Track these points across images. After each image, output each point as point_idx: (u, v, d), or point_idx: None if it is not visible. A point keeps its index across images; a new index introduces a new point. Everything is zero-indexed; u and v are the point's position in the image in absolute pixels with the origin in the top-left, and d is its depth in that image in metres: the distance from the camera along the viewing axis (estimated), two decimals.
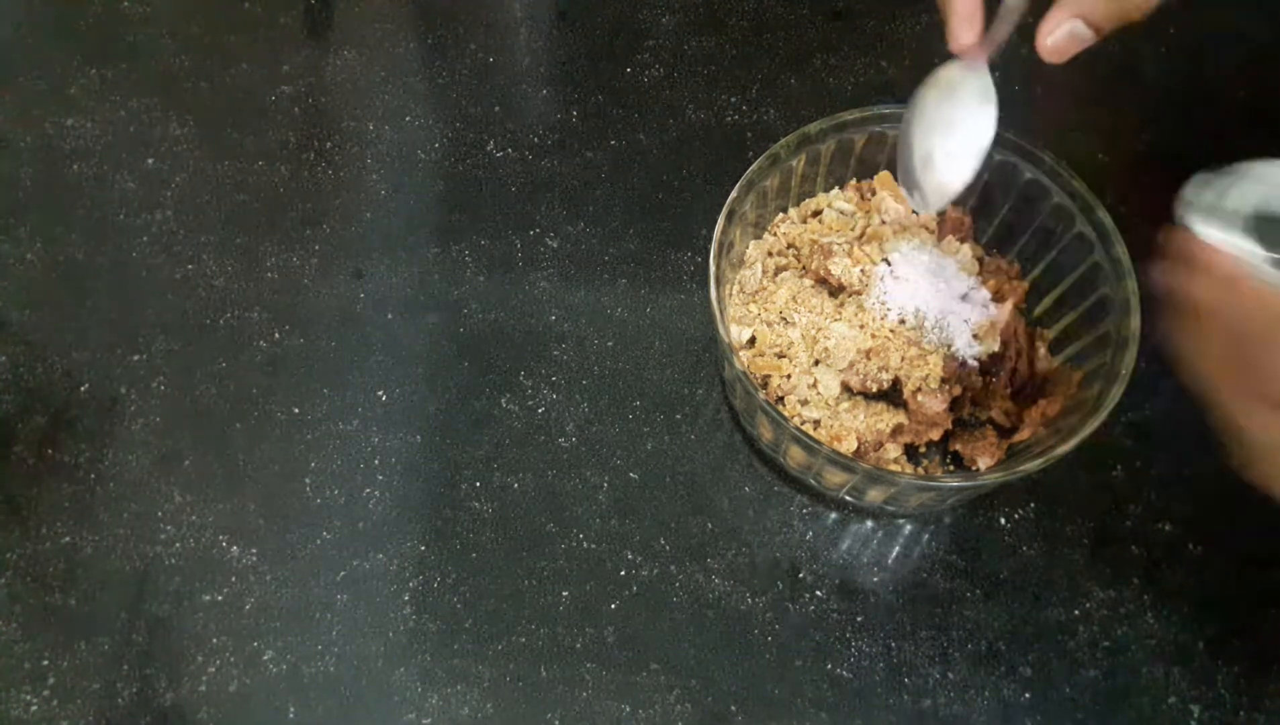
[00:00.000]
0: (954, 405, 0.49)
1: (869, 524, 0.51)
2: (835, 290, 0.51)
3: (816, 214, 0.53)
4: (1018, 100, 0.53)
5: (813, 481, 0.49)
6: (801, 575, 0.49)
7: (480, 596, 0.49)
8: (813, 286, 0.51)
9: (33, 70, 0.63)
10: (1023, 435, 0.48)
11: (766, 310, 0.51)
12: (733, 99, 0.62)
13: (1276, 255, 0.39)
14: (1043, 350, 0.51)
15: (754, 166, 0.48)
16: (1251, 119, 0.60)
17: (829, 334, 0.49)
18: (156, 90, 0.63)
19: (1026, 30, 0.40)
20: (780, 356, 0.50)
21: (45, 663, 0.48)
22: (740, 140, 0.60)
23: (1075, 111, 0.60)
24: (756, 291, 0.52)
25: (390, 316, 0.56)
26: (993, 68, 0.45)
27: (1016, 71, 0.62)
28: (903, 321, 0.48)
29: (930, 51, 0.63)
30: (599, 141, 0.61)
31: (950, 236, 0.53)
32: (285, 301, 0.56)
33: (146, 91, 0.63)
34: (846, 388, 0.49)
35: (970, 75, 0.42)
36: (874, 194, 0.53)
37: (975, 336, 0.49)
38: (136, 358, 0.55)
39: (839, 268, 0.50)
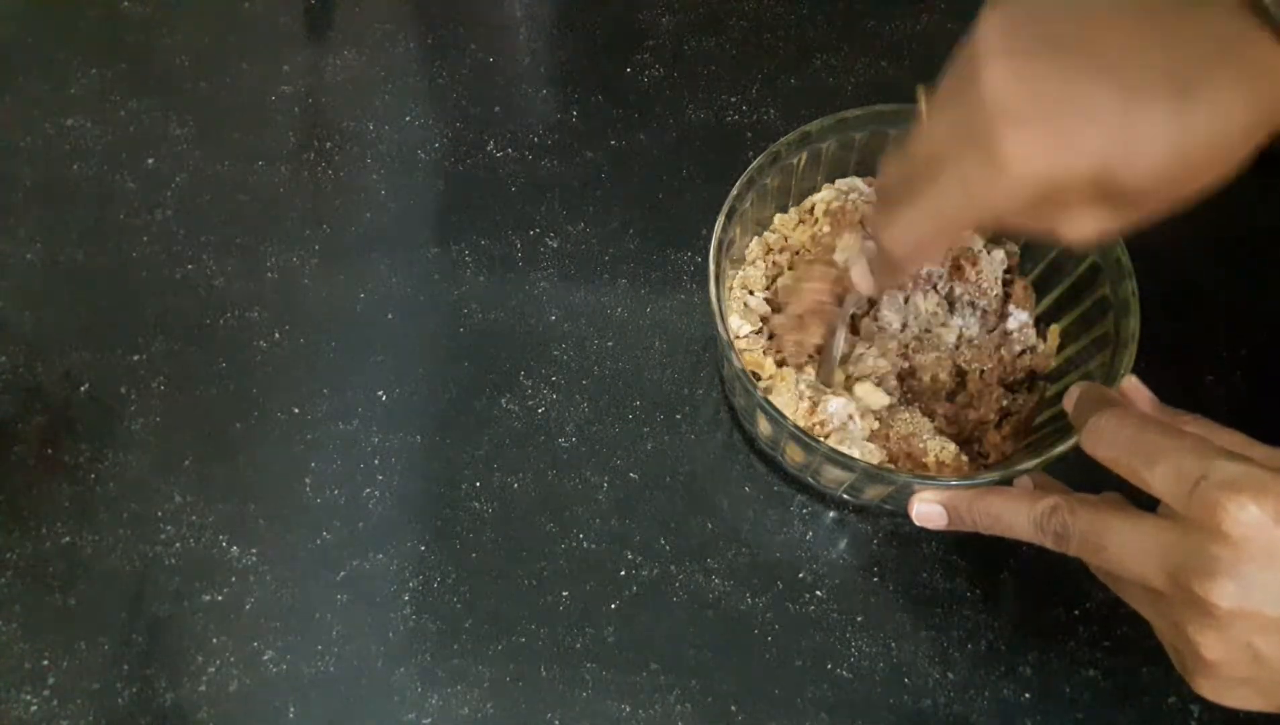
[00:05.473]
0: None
1: (869, 524, 0.51)
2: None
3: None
4: None
5: (811, 479, 0.49)
6: (801, 575, 0.49)
7: (480, 596, 0.49)
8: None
9: (33, 70, 0.63)
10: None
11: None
12: (733, 99, 0.62)
13: None
14: (1044, 347, 0.51)
15: (754, 164, 0.48)
16: None
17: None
18: (156, 90, 0.63)
19: None
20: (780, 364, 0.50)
21: (45, 663, 0.48)
22: (740, 140, 0.60)
23: None
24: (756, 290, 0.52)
25: (390, 316, 0.56)
26: None
27: None
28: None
29: (930, 52, 0.63)
30: (599, 141, 0.61)
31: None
32: (285, 301, 0.56)
33: (146, 91, 0.63)
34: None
35: None
36: None
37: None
38: (136, 358, 0.55)
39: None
